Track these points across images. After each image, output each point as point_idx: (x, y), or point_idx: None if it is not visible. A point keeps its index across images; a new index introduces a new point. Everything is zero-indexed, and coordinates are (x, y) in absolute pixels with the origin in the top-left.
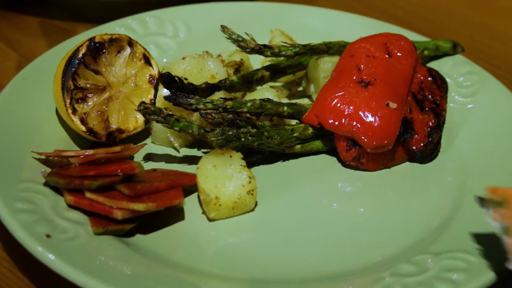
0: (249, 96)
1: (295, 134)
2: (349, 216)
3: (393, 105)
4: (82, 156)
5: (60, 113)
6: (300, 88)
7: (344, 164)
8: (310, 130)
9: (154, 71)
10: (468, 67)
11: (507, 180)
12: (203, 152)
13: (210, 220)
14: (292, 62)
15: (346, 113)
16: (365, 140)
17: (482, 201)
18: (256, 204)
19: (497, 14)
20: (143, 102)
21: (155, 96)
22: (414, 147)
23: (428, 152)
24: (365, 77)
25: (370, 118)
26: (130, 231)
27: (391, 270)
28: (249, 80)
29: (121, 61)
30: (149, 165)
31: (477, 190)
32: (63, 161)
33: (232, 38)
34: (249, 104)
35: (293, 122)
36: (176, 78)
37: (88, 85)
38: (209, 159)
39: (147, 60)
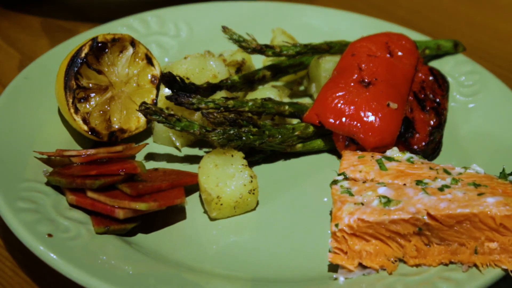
0: (251, 96)
1: (296, 133)
2: None
3: (393, 106)
4: (84, 156)
5: (62, 113)
6: (302, 88)
7: None
8: (311, 128)
9: (156, 71)
10: (470, 66)
11: None
12: (205, 152)
13: (212, 219)
14: (293, 62)
15: (346, 113)
16: (366, 140)
17: None
18: (257, 204)
19: (498, 13)
20: (144, 102)
21: (157, 95)
22: (415, 146)
23: (429, 151)
24: (366, 77)
25: (370, 118)
26: (132, 231)
27: None
28: (251, 80)
29: (124, 61)
30: (150, 165)
31: None
32: (65, 161)
33: (233, 39)
34: (250, 104)
35: (295, 121)
36: (178, 78)
37: (90, 85)
38: (211, 158)
39: (149, 60)
